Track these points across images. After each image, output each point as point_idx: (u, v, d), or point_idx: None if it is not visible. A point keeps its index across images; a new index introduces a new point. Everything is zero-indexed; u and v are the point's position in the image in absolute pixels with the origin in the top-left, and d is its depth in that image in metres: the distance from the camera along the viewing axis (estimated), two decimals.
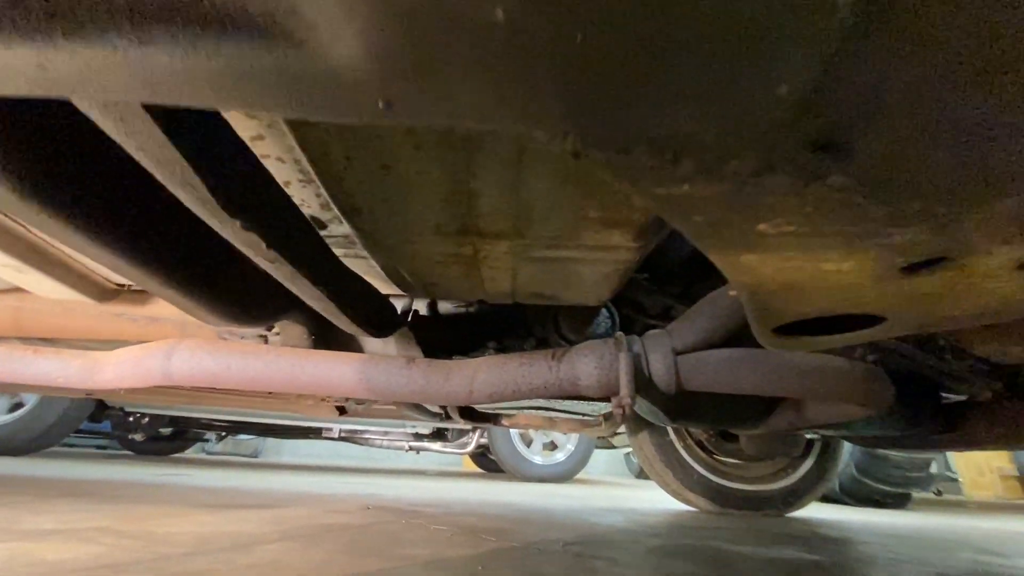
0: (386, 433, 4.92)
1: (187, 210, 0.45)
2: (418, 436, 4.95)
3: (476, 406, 1.34)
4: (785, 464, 2.37)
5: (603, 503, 2.75)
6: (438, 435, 5.05)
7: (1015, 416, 1.06)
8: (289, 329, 0.97)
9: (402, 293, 1.03)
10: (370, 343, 1.05)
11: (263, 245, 0.42)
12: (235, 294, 0.63)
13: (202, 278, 0.55)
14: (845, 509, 3.26)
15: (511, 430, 4.66)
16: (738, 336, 0.95)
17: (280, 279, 0.54)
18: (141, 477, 2.69)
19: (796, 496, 2.34)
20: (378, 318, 0.85)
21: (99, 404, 4.40)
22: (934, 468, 3.64)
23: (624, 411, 0.83)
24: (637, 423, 2.47)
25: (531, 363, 0.86)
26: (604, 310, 1.16)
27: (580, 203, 0.59)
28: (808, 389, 0.84)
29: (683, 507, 2.56)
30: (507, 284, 0.88)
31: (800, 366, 0.84)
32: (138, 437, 4.63)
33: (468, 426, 4.72)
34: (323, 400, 2.34)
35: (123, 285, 1.18)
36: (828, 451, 2.39)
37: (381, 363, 0.86)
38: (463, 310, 1.24)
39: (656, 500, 3.06)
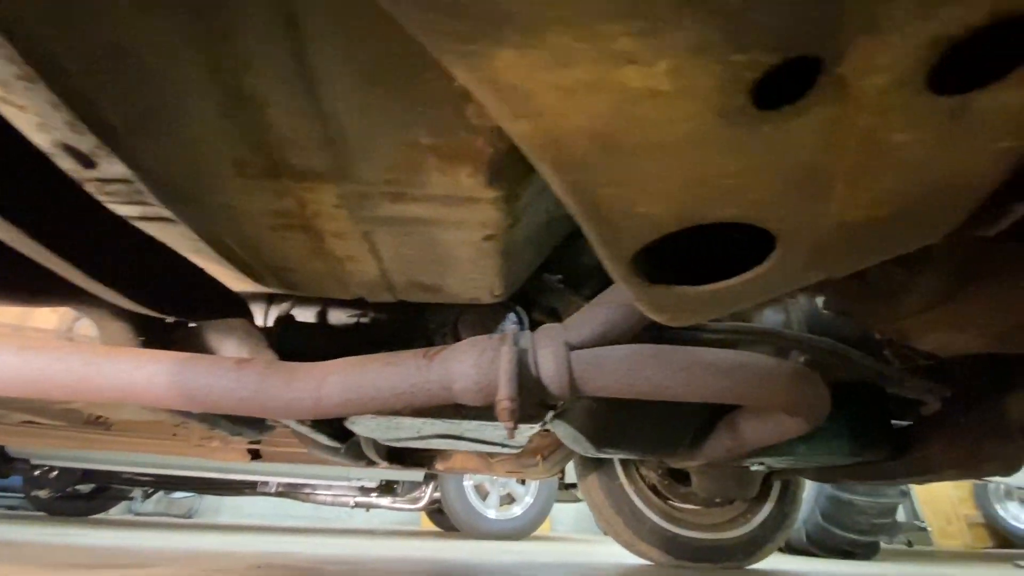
0: (329, 487, 4.51)
1: None
2: (364, 490, 4.55)
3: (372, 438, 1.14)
4: (743, 509, 2.19)
5: (550, 559, 2.49)
6: (387, 489, 4.66)
7: (971, 438, 0.94)
8: (107, 325, 0.78)
9: (261, 288, 0.86)
10: (226, 348, 0.87)
11: None
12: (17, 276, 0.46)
13: None
14: (813, 560, 3.07)
15: (465, 482, 4.33)
16: (652, 337, 0.81)
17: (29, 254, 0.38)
18: (24, 537, 2.30)
19: (756, 545, 2.15)
20: (196, 301, 0.68)
21: (1, 455, 3.92)
22: (901, 516, 3.52)
23: (510, 419, 0.67)
24: (585, 465, 2.27)
25: (397, 363, 0.70)
26: (513, 315, 1.01)
27: (402, 118, 0.45)
28: (726, 391, 0.70)
29: (639, 560, 2.33)
30: (373, 267, 0.73)
31: (715, 363, 0.70)
32: (42, 494, 4.10)
33: (417, 477, 4.37)
34: (228, 441, 2.07)
35: None
36: (788, 493, 2.23)
37: (203, 363, 0.68)
38: (355, 320, 1.07)
39: (615, 555, 2.80)
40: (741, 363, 0.71)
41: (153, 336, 0.82)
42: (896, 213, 0.30)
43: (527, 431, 1.14)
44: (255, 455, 2.00)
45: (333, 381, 0.69)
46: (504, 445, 1.23)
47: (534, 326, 1.04)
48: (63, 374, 0.66)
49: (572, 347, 0.70)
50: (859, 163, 0.26)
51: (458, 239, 0.64)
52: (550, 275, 1.00)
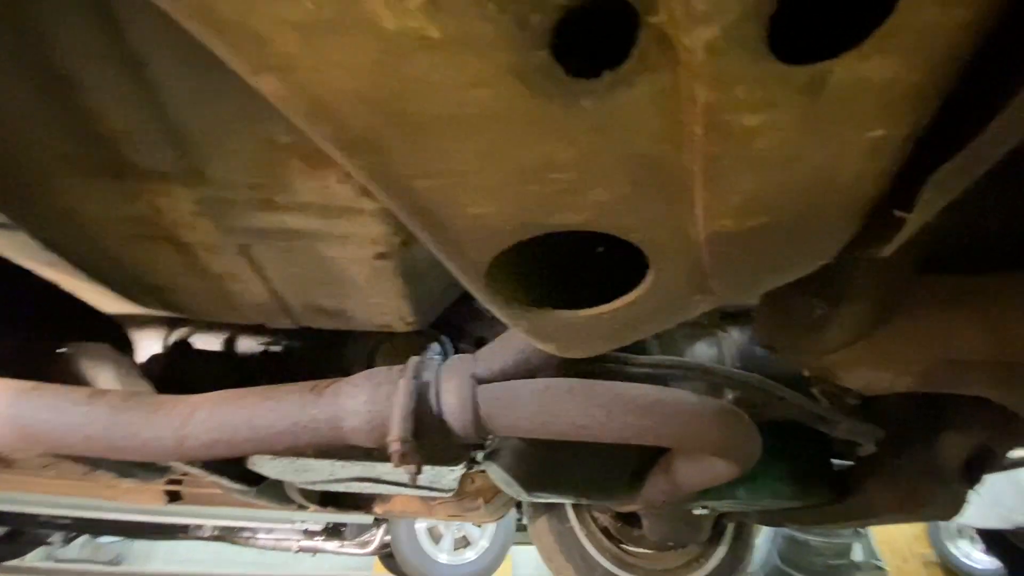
0: (270, 531, 4.20)
1: None
2: (309, 534, 4.25)
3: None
4: (697, 553, 2.11)
5: None
6: (334, 532, 4.36)
7: (907, 481, 0.90)
8: None
9: (151, 311, 0.76)
10: (97, 379, 0.76)
11: None
12: None
13: None
14: None
15: (417, 524, 4.10)
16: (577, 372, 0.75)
17: None
18: None
19: None
20: (52, 323, 0.59)
21: None
22: (859, 555, 3.50)
23: (401, 462, 0.59)
24: (535, 507, 2.16)
25: (279, 398, 0.61)
26: (436, 345, 0.94)
27: (249, 111, 0.39)
28: (647, 430, 0.64)
29: None
30: (260, 286, 0.65)
31: (636, 399, 0.64)
32: None
33: (366, 519, 4.12)
34: (142, 481, 1.89)
35: None
36: (742, 536, 2.17)
37: (45, 394, 0.58)
38: (262, 349, 0.98)
39: None
40: (663, 400, 0.65)
41: (24, 365, 0.71)
42: (771, 224, 0.25)
43: (450, 474, 1.05)
44: (174, 497, 1.82)
45: (200, 417, 0.60)
46: (433, 489, 1.13)
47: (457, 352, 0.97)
48: None
49: (481, 380, 0.63)
50: (711, 156, 0.21)
51: (347, 256, 0.57)
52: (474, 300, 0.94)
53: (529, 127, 0.20)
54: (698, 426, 0.67)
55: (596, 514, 2.14)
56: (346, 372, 0.96)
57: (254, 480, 1.16)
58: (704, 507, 1.21)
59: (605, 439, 0.64)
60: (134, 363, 0.73)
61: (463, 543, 4.18)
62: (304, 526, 4.13)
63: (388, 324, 0.76)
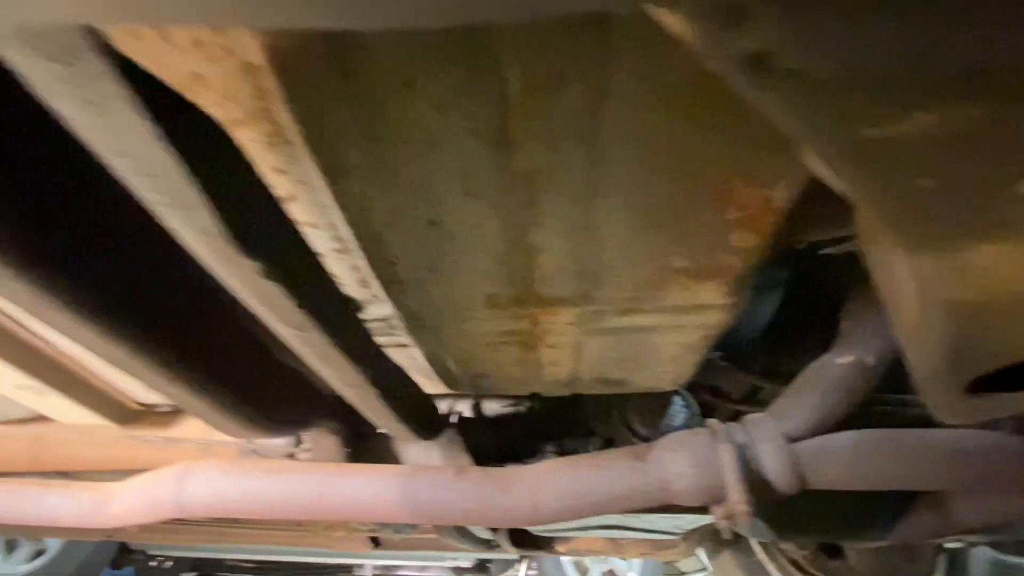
0: (424, 568, 4.42)
1: (198, 283, 0.37)
2: (459, 571, 4.41)
3: (535, 527, 1.13)
4: None
5: None
6: (481, 568, 4.50)
7: None
8: (320, 441, 0.84)
9: (446, 391, 0.90)
10: (411, 454, 0.91)
11: (289, 301, 0.32)
12: (257, 392, 0.53)
13: (219, 372, 0.46)
14: None
15: (563, 559, 4.11)
16: (854, 418, 0.78)
17: (310, 358, 0.43)
18: None
19: None
20: (424, 418, 0.72)
21: (121, 547, 4.12)
22: None
23: (735, 523, 0.65)
24: (717, 541, 2.11)
25: (608, 465, 0.70)
26: (678, 398, 1.00)
27: (664, 249, 0.49)
28: (971, 478, 0.65)
29: None
30: (568, 368, 0.76)
31: (953, 447, 0.65)
32: None
33: (515, 555, 4.20)
34: (352, 530, 2.10)
35: (146, 405, 1.09)
36: (956, 565, 1.96)
37: (424, 475, 0.72)
38: (511, 409, 1.10)
39: None
40: (978, 445, 0.66)
41: (353, 446, 0.87)
42: None
43: (694, 518, 1.09)
44: (376, 542, 2.01)
45: (548, 488, 0.70)
46: (668, 533, 1.18)
47: (702, 407, 1.03)
48: (303, 495, 0.71)
49: (791, 438, 0.68)
50: None
51: (671, 340, 0.65)
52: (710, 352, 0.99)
53: None
54: (1014, 467, 0.66)
55: (783, 546, 2.04)
56: (587, 427, 1.05)
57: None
58: (959, 540, 1.13)
59: (925, 488, 0.65)
60: (458, 437, 0.87)
61: None
62: (455, 563, 4.31)
63: (658, 386, 0.84)
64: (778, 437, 0.68)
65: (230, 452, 1.07)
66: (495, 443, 1.01)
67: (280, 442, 0.93)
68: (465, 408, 1.11)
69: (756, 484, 0.66)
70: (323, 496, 0.71)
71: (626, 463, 0.70)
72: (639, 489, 0.68)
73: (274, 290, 0.31)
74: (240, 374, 0.50)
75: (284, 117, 0.35)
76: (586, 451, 1.00)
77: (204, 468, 0.74)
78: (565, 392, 0.88)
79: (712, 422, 0.72)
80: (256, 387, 0.53)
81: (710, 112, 0.36)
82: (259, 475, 0.73)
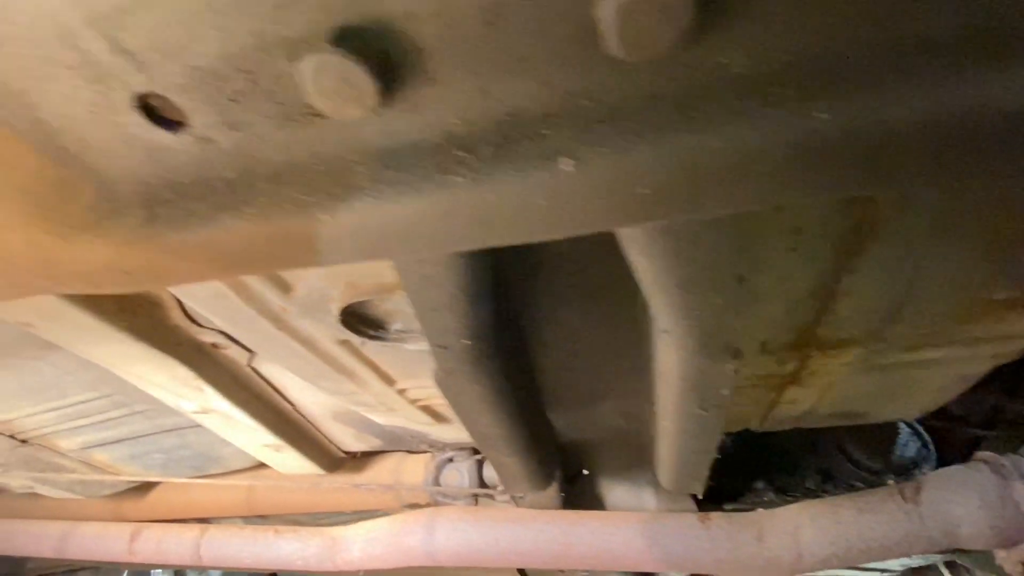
0: None
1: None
2: None
3: None
4: None
5: None
6: None
7: None
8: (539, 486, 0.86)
9: None
10: (618, 496, 0.90)
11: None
12: (544, 449, 0.55)
13: (539, 436, 0.48)
14: None
15: None
16: None
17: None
18: None
19: None
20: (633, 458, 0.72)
21: None
22: None
23: None
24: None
25: (874, 508, 0.66)
26: (904, 426, 0.92)
27: (990, 281, 0.45)
28: None
29: None
30: (808, 405, 0.72)
31: None
32: None
33: None
34: None
35: (349, 453, 1.18)
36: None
37: (668, 522, 0.71)
38: None
39: None
40: None
41: (566, 490, 0.88)
42: None
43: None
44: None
45: (810, 535, 0.66)
46: (883, 571, 1.08)
47: (930, 434, 0.94)
48: (552, 543, 0.72)
49: None
50: None
51: (949, 372, 0.60)
52: None
53: None
54: None
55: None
56: (796, 465, 0.99)
57: None
58: None
59: None
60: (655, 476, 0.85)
61: None
62: None
63: (903, 417, 0.78)
64: None
65: (421, 496, 1.12)
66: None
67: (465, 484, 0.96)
68: None
69: None
70: (569, 544, 0.72)
71: (895, 505, 0.65)
72: (918, 535, 0.63)
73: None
74: (539, 435, 0.53)
75: None
76: (803, 486, 0.95)
77: (450, 517, 0.78)
78: (786, 427, 0.84)
79: (986, 455, 0.66)
80: (543, 444, 0.56)
81: None
82: (507, 524, 0.76)
